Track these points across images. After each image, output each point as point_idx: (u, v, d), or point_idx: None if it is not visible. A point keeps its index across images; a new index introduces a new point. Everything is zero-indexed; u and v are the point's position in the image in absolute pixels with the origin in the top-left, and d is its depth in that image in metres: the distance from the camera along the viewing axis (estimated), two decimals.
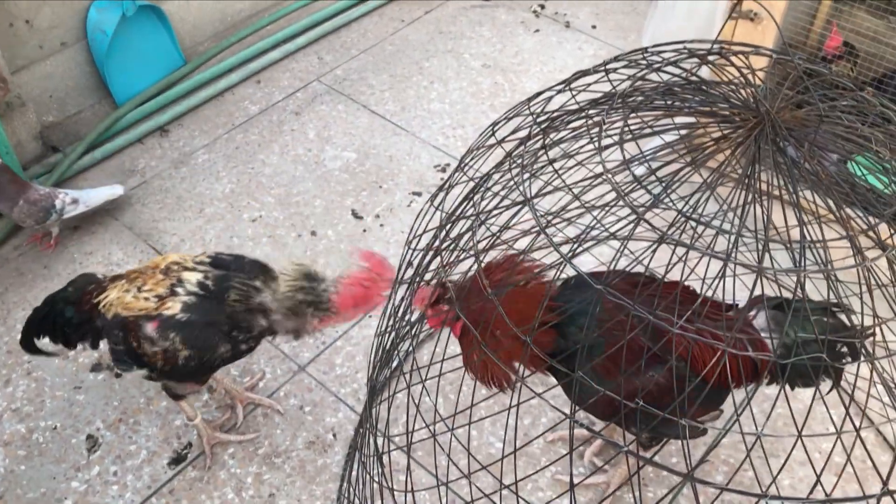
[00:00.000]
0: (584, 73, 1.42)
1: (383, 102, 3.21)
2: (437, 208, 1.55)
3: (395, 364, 2.00)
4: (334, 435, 2.15)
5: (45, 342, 1.98)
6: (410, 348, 2.12)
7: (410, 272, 1.59)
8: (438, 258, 1.47)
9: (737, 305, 1.59)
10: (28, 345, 1.98)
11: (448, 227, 1.44)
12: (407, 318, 1.65)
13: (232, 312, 1.77)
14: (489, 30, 3.61)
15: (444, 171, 2.90)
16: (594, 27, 3.60)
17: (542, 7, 3.71)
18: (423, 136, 3.05)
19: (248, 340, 1.82)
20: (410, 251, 1.57)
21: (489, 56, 3.46)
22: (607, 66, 1.42)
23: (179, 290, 1.79)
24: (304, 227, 2.70)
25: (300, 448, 2.13)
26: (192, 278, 1.80)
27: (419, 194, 2.82)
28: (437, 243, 1.46)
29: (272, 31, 3.47)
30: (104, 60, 3.00)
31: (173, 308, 1.77)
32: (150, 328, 1.77)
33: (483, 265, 1.56)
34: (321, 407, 2.22)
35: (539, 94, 1.46)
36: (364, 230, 2.69)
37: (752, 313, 1.60)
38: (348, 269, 1.77)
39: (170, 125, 3.11)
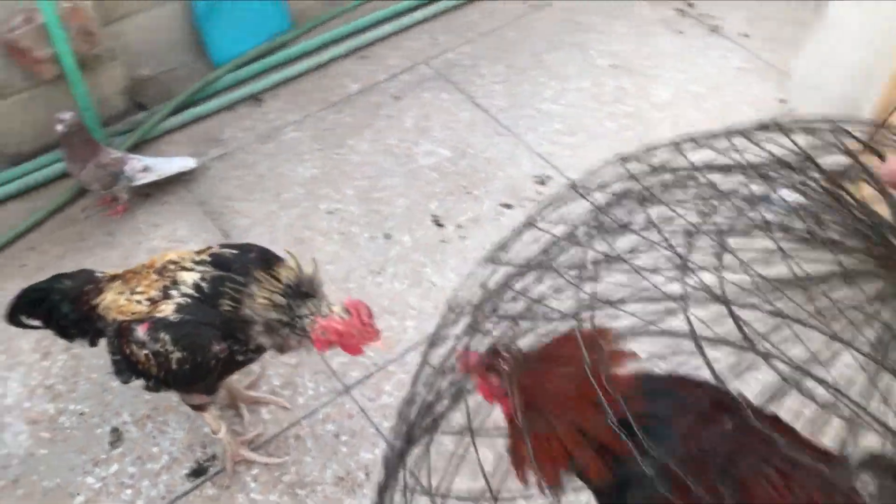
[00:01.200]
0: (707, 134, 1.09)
1: (491, 96, 2.91)
2: (495, 263, 1.29)
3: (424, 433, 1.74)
4: (367, 474, 1.93)
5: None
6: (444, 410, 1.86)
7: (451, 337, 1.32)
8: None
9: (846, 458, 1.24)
10: (14, 321, 1.83)
11: (492, 302, 1.17)
12: (445, 383, 1.39)
13: (227, 319, 1.59)
14: (624, 25, 3.23)
15: (542, 183, 2.59)
16: (745, 35, 3.16)
17: (691, 6, 3.29)
18: (527, 140, 2.75)
19: (246, 353, 1.65)
20: (452, 316, 1.30)
21: (619, 55, 3.09)
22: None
23: (173, 292, 1.62)
24: (380, 227, 2.47)
25: (328, 482, 1.92)
26: (189, 279, 1.63)
27: (510, 207, 2.53)
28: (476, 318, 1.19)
29: (388, 3, 3.21)
30: (205, 17, 2.84)
31: (166, 311, 1.60)
32: (140, 331, 1.61)
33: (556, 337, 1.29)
34: (359, 438, 2.00)
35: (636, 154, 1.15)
36: (442, 240, 2.43)
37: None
38: (333, 307, 1.57)
39: (264, 94, 2.93)
